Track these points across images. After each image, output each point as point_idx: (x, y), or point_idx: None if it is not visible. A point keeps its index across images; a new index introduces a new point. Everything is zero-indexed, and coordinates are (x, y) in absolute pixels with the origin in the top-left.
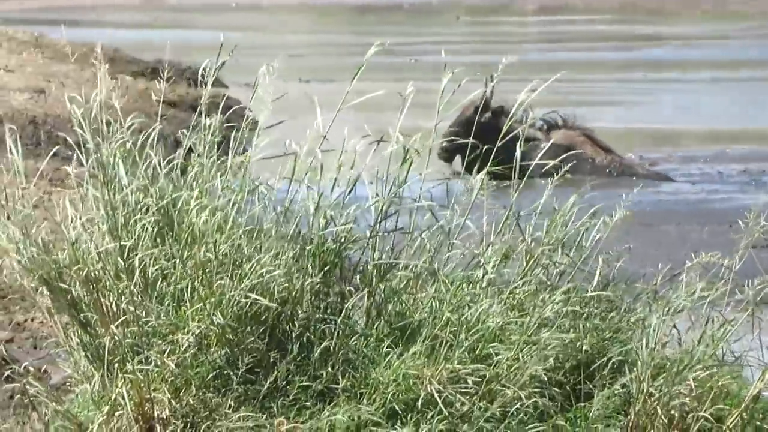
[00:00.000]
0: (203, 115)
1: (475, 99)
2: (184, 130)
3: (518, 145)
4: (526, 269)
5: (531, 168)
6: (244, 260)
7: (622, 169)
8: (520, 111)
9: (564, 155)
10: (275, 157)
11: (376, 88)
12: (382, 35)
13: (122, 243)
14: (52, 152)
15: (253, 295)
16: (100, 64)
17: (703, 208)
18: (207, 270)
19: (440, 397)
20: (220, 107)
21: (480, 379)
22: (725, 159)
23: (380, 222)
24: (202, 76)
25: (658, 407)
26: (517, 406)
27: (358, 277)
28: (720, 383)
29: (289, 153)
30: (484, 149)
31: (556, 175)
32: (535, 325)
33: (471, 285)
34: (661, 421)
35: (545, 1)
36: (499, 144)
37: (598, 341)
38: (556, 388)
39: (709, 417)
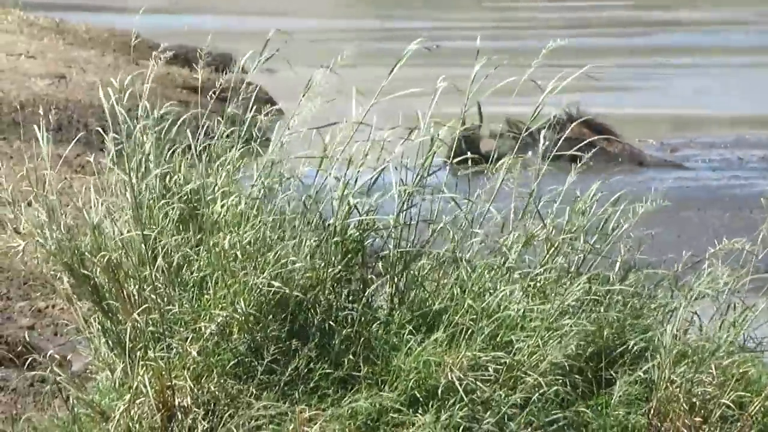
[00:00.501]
0: (228, 104)
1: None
2: (218, 118)
3: (541, 132)
4: (547, 256)
5: (549, 158)
6: (267, 248)
7: (633, 157)
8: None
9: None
10: (308, 158)
11: (399, 74)
12: (403, 20)
13: (145, 231)
14: (75, 139)
15: (276, 284)
16: (132, 53)
17: (724, 194)
18: (231, 258)
19: (461, 385)
20: (252, 97)
21: (501, 367)
22: (745, 144)
23: (404, 210)
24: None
25: (680, 394)
26: (539, 393)
27: (380, 264)
28: (741, 370)
29: (317, 151)
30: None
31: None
32: (557, 313)
33: (492, 272)
34: (683, 407)
35: None
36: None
37: (619, 328)
38: (577, 375)
39: (731, 404)
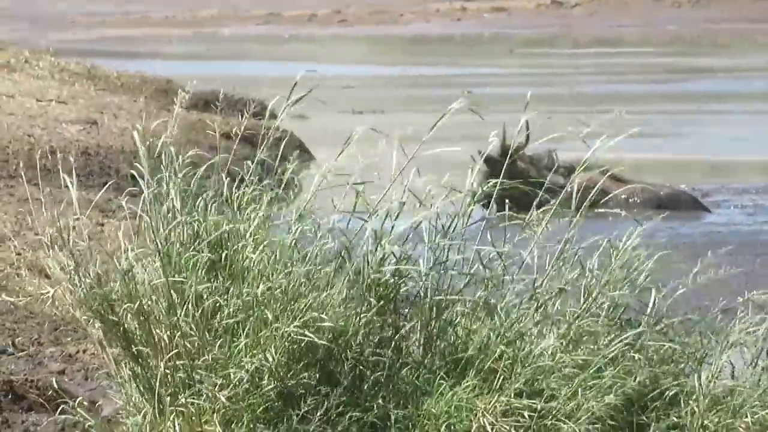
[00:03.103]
0: (259, 149)
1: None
2: (248, 162)
3: (571, 181)
4: (584, 305)
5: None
6: (299, 296)
7: (646, 198)
8: (549, 157)
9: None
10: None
11: (428, 119)
12: (435, 67)
13: (175, 277)
14: (106, 185)
15: (308, 333)
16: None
17: (756, 240)
18: (262, 305)
19: (493, 430)
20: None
21: (534, 414)
22: None
23: (437, 263)
24: (262, 109)
25: None
26: None
27: (412, 309)
28: None
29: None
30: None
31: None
32: (598, 363)
33: (526, 319)
34: None
35: (599, 33)
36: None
37: (652, 374)
38: (610, 421)
39: None
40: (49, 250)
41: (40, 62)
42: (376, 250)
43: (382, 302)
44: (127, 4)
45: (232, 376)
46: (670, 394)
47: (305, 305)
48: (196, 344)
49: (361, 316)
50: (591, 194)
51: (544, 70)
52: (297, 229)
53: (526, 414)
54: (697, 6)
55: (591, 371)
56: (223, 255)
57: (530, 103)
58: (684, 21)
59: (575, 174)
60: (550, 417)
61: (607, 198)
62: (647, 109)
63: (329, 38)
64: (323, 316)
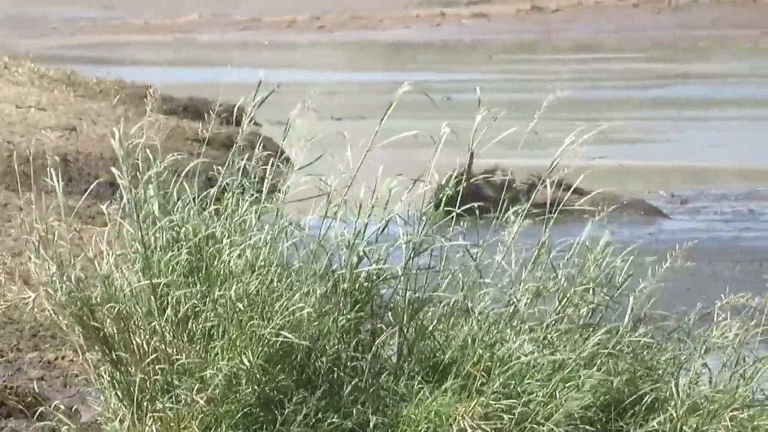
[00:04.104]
0: (236, 154)
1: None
2: (219, 168)
3: (545, 183)
4: (559, 307)
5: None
6: (274, 299)
7: (609, 206)
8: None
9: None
10: (310, 198)
11: (409, 125)
12: (414, 72)
13: (154, 281)
14: (87, 191)
15: (285, 333)
16: (151, 105)
17: (735, 246)
18: (237, 309)
19: None
20: (257, 146)
21: (512, 416)
22: (757, 197)
23: (412, 259)
24: (237, 114)
25: None
26: None
27: (389, 314)
28: (755, 423)
29: (322, 194)
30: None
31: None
32: (573, 364)
33: (503, 323)
34: None
35: (578, 38)
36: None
37: (630, 379)
38: (588, 426)
39: None
40: (30, 255)
41: (20, 68)
42: (350, 252)
43: (358, 305)
44: (106, 11)
45: (209, 379)
46: (649, 399)
47: (280, 307)
48: (174, 349)
49: (338, 320)
50: (555, 207)
51: (524, 76)
52: (273, 230)
53: (505, 417)
54: (677, 11)
55: (567, 371)
56: (201, 258)
57: (513, 109)
58: (664, 27)
59: (538, 186)
60: (529, 420)
61: (566, 207)
62: (626, 115)
63: (309, 44)
64: (300, 306)
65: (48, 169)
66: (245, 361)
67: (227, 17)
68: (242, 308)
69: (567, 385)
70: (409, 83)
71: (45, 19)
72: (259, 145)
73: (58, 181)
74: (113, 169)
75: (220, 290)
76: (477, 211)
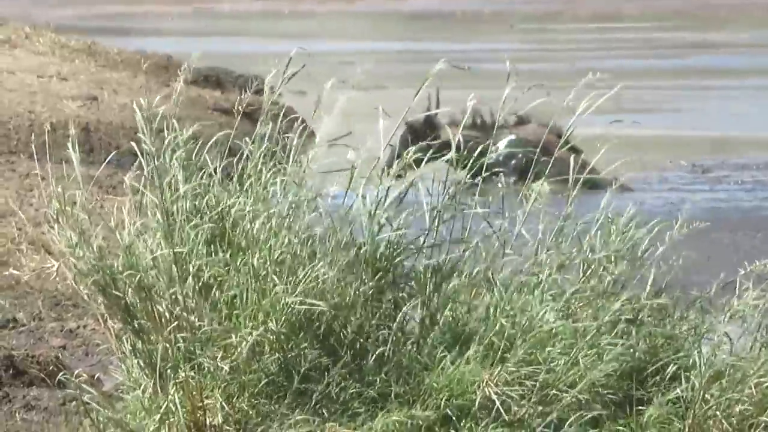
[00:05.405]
0: (259, 123)
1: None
2: (246, 138)
3: (572, 159)
4: (583, 277)
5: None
6: (298, 267)
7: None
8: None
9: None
10: (338, 171)
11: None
12: (435, 42)
13: (176, 250)
14: (106, 160)
15: (309, 300)
16: (180, 77)
17: (756, 216)
18: (261, 276)
19: (498, 400)
20: (280, 117)
21: (536, 383)
22: None
23: (435, 228)
24: (262, 85)
25: (717, 412)
26: (578, 413)
27: (412, 283)
28: None
29: (346, 168)
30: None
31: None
32: (595, 331)
33: (526, 292)
34: (720, 425)
35: (598, 8)
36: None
37: (652, 348)
38: (610, 394)
39: None
40: (53, 225)
41: (41, 38)
42: (371, 219)
43: (380, 274)
44: None
45: (232, 347)
46: (673, 368)
47: (304, 274)
48: (196, 317)
49: (360, 289)
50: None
51: (545, 46)
52: (297, 199)
53: (528, 383)
54: None
55: (588, 339)
56: (224, 227)
57: (531, 78)
58: None
59: (557, 150)
60: (552, 387)
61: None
62: (648, 85)
63: (329, 14)
64: (324, 273)
65: (71, 138)
66: (269, 328)
67: None
68: (266, 276)
69: (589, 353)
70: (444, 60)
71: None
72: (282, 116)
73: (75, 151)
74: (140, 135)
75: (243, 258)
76: (502, 179)
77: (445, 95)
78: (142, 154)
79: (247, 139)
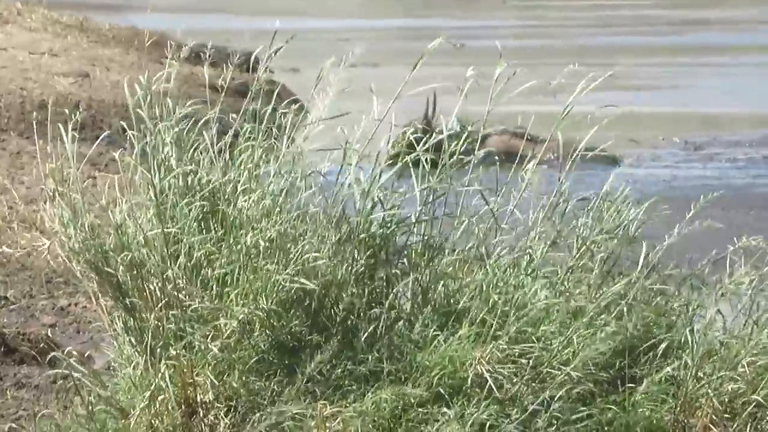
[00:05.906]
0: (248, 99)
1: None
2: (233, 115)
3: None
4: (577, 255)
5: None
6: (289, 245)
7: (565, 154)
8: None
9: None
10: (330, 149)
11: (424, 73)
12: (428, 19)
13: (168, 228)
14: (100, 138)
15: (300, 279)
16: (172, 54)
17: (749, 193)
18: (252, 255)
19: (490, 378)
20: (274, 94)
21: (529, 361)
22: None
23: (427, 205)
24: (253, 61)
25: (709, 390)
26: (569, 390)
27: (404, 260)
28: None
29: (340, 146)
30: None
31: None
32: (593, 312)
33: (518, 270)
34: (711, 403)
35: None
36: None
37: (644, 325)
38: (602, 372)
39: (763, 402)
40: (44, 202)
41: (33, 14)
42: (364, 196)
43: (371, 250)
44: None
45: (223, 326)
46: (663, 346)
47: (296, 253)
48: (187, 295)
49: (352, 267)
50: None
51: (539, 22)
52: (284, 176)
53: (521, 361)
54: None
55: (584, 318)
56: (215, 205)
57: (524, 55)
58: None
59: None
60: (545, 365)
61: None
62: (641, 62)
63: None
64: (315, 255)
65: (67, 114)
66: (260, 306)
67: None
68: (257, 254)
69: (584, 333)
70: (440, 38)
71: None
72: (276, 93)
73: (67, 129)
74: (126, 114)
75: (234, 236)
76: (495, 158)
77: (439, 71)
78: (134, 132)
79: (234, 115)
